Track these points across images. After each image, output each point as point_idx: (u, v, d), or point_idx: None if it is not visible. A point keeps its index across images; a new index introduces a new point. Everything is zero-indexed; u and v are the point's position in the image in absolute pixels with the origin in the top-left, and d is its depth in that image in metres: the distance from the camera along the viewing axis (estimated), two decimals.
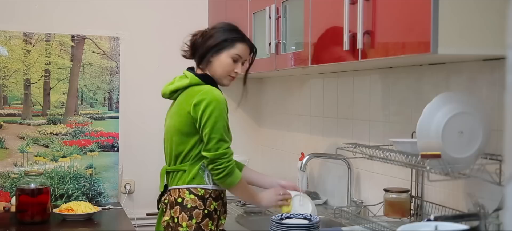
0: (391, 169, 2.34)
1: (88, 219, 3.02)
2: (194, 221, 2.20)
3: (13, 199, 3.11)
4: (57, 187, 3.36)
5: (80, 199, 3.34)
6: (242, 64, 2.32)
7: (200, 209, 2.21)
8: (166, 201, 2.28)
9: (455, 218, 1.66)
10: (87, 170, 3.44)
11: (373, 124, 2.52)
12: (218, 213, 2.26)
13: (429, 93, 2.08)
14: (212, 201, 2.24)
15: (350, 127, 2.71)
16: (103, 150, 3.48)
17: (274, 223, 2.24)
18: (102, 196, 3.46)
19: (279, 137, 3.53)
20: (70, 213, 3.01)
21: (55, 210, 3.04)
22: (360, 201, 2.55)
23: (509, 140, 0.88)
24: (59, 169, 3.38)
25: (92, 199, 3.41)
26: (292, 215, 2.32)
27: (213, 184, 2.24)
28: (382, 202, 2.25)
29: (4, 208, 3.13)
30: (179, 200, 2.22)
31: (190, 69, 2.36)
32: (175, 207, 2.22)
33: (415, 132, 1.78)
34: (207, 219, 2.22)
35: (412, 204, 2.22)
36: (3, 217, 3.04)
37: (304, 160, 2.49)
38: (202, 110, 2.18)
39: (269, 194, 2.35)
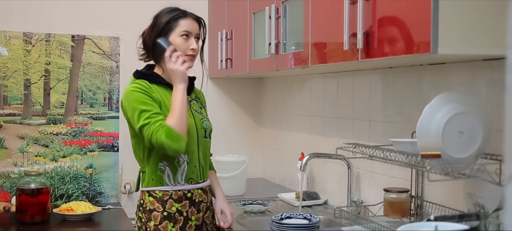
0: (391, 169, 2.34)
1: (88, 219, 3.02)
2: (152, 223, 2.21)
3: (13, 199, 3.11)
4: (57, 187, 3.36)
5: (80, 199, 3.34)
6: (196, 39, 2.26)
7: (158, 211, 2.21)
8: (138, 203, 2.32)
9: (455, 218, 1.66)
10: (87, 170, 3.44)
11: (373, 124, 2.52)
12: (184, 214, 2.23)
13: (429, 93, 2.08)
14: (174, 203, 2.22)
15: (350, 127, 2.71)
16: (103, 150, 3.48)
17: (274, 223, 2.24)
18: (102, 196, 3.46)
19: (279, 137, 3.53)
20: (70, 213, 3.01)
21: (55, 210, 3.03)
22: (360, 201, 2.55)
23: (509, 140, 0.88)
24: (59, 169, 3.38)
25: (92, 199, 3.41)
26: (292, 215, 2.32)
27: (174, 185, 2.22)
28: (382, 202, 2.25)
29: (4, 208, 3.13)
30: (141, 201, 2.26)
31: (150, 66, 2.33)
32: (140, 209, 2.27)
33: (415, 132, 1.78)
34: (167, 221, 2.21)
35: (412, 204, 2.22)
36: (3, 217, 3.03)
37: (304, 160, 2.48)
38: (122, 107, 2.23)
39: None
